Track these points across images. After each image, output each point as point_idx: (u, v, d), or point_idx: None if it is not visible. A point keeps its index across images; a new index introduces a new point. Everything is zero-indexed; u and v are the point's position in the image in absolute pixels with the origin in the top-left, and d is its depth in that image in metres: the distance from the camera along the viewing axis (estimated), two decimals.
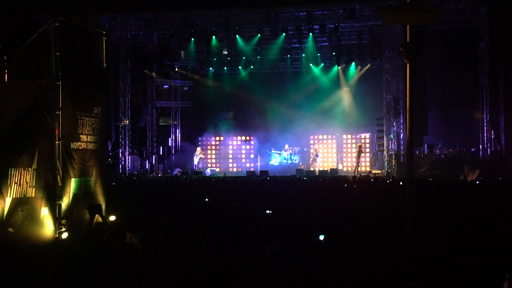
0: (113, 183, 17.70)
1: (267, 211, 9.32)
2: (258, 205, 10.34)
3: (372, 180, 19.78)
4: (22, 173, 8.32)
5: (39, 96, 8.57)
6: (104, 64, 9.90)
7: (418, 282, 5.12)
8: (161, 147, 30.64)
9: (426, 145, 25.76)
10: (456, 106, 26.97)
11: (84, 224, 8.14)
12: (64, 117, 8.71)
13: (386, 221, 7.91)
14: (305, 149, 29.70)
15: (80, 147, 9.19)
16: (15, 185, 8.22)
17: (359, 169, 27.16)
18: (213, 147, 31.06)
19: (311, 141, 30.11)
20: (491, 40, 24.76)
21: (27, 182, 8.34)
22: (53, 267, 6.85)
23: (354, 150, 28.95)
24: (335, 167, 28.00)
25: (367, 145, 29.34)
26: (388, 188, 16.06)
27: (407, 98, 6.16)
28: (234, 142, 30.86)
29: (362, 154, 27.71)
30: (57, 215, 8.53)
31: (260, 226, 7.77)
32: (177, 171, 27.56)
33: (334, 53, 28.27)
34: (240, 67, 30.25)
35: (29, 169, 8.38)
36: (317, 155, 28.50)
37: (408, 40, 5.70)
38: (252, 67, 30.16)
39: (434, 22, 21.83)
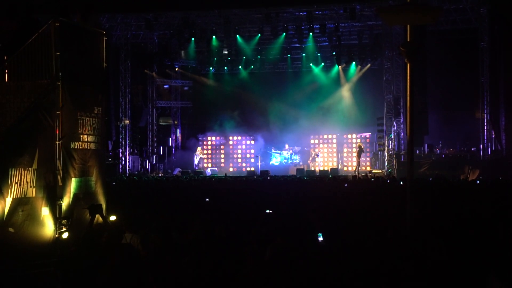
0: (114, 183, 17.70)
1: (268, 211, 9.32)
2: (258, 205, 10.33)
3: (372, 179, 19.77)
4: (23, 173, 8.31)
5: (40, 96, 8.56)
6: (105, 64, 9.88)
7: (418, 282, 5.11)
8: (161, 147, 30.66)
9: (426, 145, 25.76)
10: (457, 106, 26.96)
11: (84, 224, 8.14)
12: (64, 117, 8.70)
13: (387, 220, 7.91)
14: (305, 148, 29.70)
15: (80, 147, 9.18)
16: (16, 185, 8.21)
17: (359, 169, 27.16)
18: (214, 147, 31.06)
19: (312, 141, 30.12)
20: (491, 40, 24.77)
21: (27, 182, 8.34)
22: (53, 267, 6.86)
23: (354, 149, 28.93)
24: (335, 167, 28.02)
25: (368, 145, 29.33)
26: (389, 187, 16.05)
27: (408, 98, 6.17)
28: (235, 142, 30.87)
29: (363, 154, 27.69)
30: (57, 215, 8.52)
31: (260, 225, 7.77)
32: (177, 171, 27.57)
33: (334, 53, 28.28)
34: (240, 67, 30.27)
35: (30, 169, 8.37)
36: (317, 155, 28.50)
37: (408, 40, 5.71)
38: (252, 67, 30.18)
39: (435, 22, 21.82)
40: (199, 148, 28.98)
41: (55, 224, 8.50)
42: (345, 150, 30.02)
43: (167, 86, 31.61)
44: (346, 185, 16.82)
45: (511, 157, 23.26)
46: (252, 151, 30.47)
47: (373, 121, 28.52)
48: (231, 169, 30.12)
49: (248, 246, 6.14)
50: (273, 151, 29.00)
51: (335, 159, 29.78)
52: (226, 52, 29.64)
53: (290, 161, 28.51)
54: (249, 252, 5.82)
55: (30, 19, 9.57)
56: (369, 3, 25.27)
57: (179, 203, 11.44)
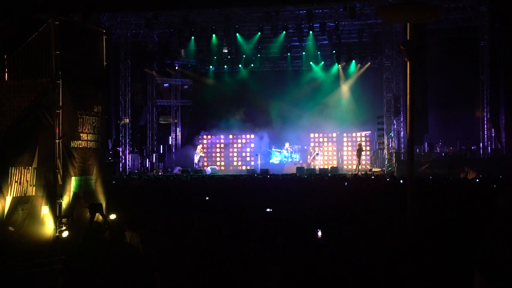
0: (113, 182, 17.70)
1: (268, 210, 9.33)
2: (258, 204, 10.34)
3: (372, 178, 19.76)
4: (23, 172, 8.31)
5: (40, 95, 8.56)
6: (105, 63, 9.89)
7: (418, 282, 5.11)
8: (161, 146, 30.65)
9: (426, 143, 25.75)
10: (457, 104, 26.98)
11: (84, 223, 8.15)
12: (64, 116, 8.70)
13: (387, 219, 7.91)
14: (305, 147, 29.70)
15: (80, 146, 9.19)
16: (16, 184, 8.21)
17: (360, 167, 27.16)
18: (214, 146, 31.05)
19: (312, 139, 30.10)
20: (491, 39, 24.78)
21: (27, 181, 8.33)
22: (54, 266, 6.86)
23: (354, 148, 28.91)
24: (335, 165, 28.02)
25: (368, 143, 29.33)
26: (389, 186, 16.04)
27: (408, 96, 6.16)
28: (235, 141, 30.86)
29: (363, 153, 27.69)
30: (57, 214, 8.53)
31: (260, 224, 7.77)
32: (177, 169, 27.56)
33: (334, 52, 28.27)
34: (240, 66, 30.26)
35: (30, 167, 8.37)
36: (317, 154, 28.49)
37: (408, 39, 5.71)
38: (252, 65, 30.16)
39: (435, 21, 21.82)
40: (199, 147, 28.96)
41: (55, 223, 8.50)
42: (345, 148, 30.00)
43: (167, 84, 31.60)
44: (346, 183, 16.81)
45: (511, 156, 23.26)
46: (252, 149, 30.46)
47: (373, 120, 28.50)
48: (231, 168, 30.12)
49: (249, 244, 6.14)
50: (273, 149, 29.00)
51: (335, 157, 29.78)
52: (226, 51, 29.62)
53: (290, 160, 28.51)
54: (251, 250, 5.82)
55: (30, 17, 9.57)
56: (369, 1, 25.28)
57: (180, 202, 11.44)
